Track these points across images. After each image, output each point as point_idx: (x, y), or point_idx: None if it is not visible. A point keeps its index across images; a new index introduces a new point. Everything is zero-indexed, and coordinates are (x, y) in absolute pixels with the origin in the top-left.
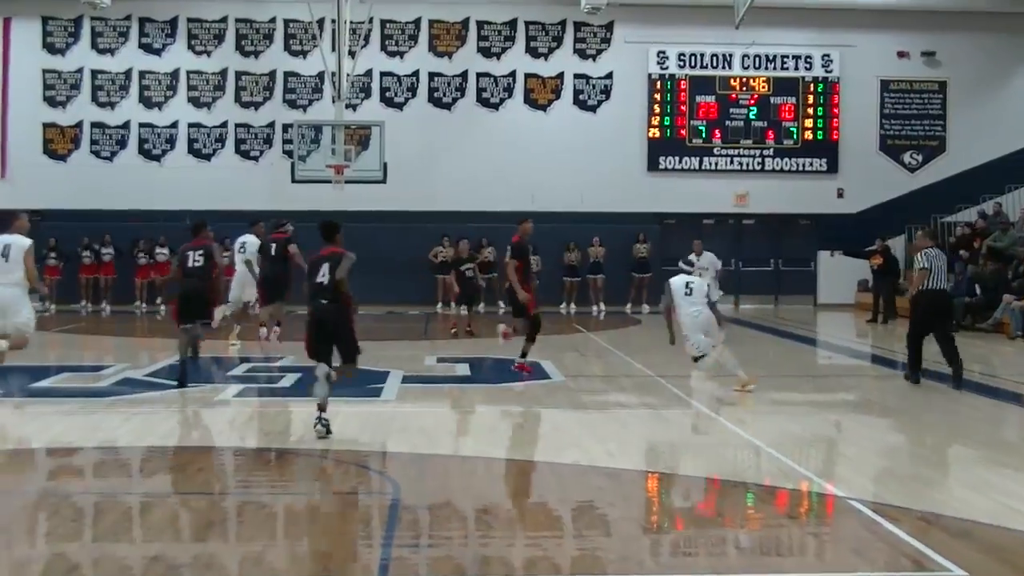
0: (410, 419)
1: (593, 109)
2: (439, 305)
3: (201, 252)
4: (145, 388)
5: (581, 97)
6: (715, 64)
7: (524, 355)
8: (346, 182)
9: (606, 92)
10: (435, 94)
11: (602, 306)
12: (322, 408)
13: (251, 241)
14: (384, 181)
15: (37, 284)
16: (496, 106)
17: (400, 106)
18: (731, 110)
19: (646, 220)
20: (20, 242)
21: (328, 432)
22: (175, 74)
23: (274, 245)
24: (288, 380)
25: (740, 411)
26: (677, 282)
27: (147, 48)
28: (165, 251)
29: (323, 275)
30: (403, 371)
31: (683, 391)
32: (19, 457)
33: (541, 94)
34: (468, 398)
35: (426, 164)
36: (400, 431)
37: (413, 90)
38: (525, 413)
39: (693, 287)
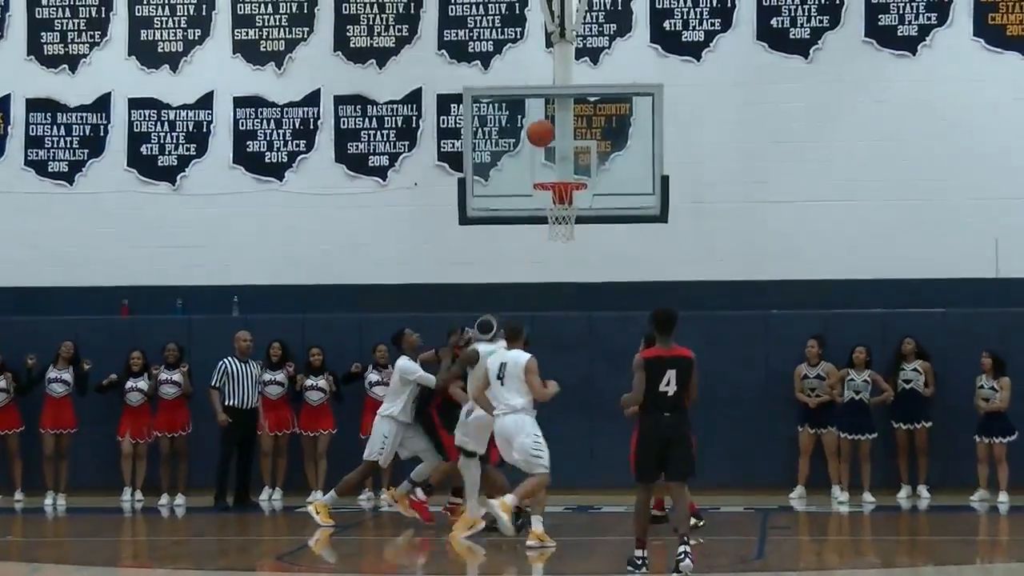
0: None
1: None
2: (836, 489)
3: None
4: None
5: None
6: None
7: None
8: (578, 221)
9: None
10: (773, 21)
11: None
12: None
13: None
14: (663, 218)
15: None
16: (911, 44)
17: (695, 51)
18: None
19: None
20: (520, 359)
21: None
22: None
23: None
24: None
25: None
26: None
27: None
28: (176, 377)
29: (668, 383)
30: None
31: None
32: None
33: (1015, 16)
34: None
35: (755, 176)
36: None
37: (724, 15)
38: None
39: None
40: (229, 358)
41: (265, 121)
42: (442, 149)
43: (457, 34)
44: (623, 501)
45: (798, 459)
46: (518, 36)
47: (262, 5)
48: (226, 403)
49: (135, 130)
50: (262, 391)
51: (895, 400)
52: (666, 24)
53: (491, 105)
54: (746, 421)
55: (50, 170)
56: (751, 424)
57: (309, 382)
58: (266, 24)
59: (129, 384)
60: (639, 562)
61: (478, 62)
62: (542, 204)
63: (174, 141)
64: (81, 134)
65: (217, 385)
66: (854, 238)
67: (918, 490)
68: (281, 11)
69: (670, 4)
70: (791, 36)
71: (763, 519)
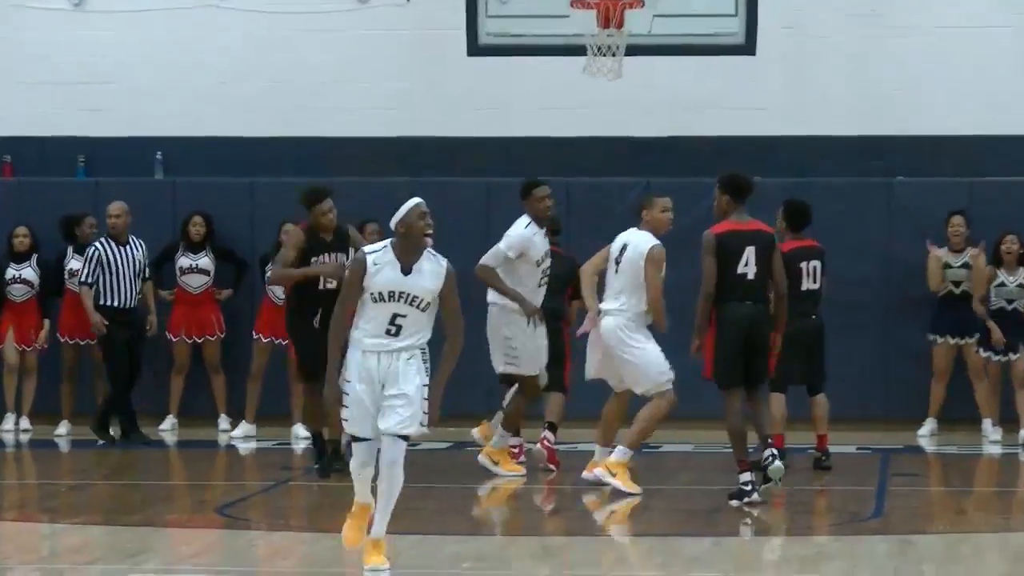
0: None
1: None
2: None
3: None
4: None
5: None
6: None
7: None
8: (630, 53)
9: None
10: None
11: None
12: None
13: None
14: (749, 50)
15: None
16: None
17: None
18: None
19: None
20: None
21: None
22: None
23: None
24: None
25: None
26: None
27: None
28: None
29: (747, 263)
30: None
31: None
32: None
33: None
34: None
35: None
36: None
37: None
38: None
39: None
40: (102, 240)
41: None
42: None
43: None
44: (687, 435)
45: (929, 382)
46: None
47: None
48: (100, 302)
49: None
50: (180, 282)
51: None
52: None
53: None
54: (859, 330)
55: None
56: (867, 334)
57: None
58: None
59: (11, 272)
60: (748, 488)
61: None
62: (582, 29)
63: None
64: None
65: (87, 280)
66: (1005, 80)
67: None
68: None
69: None
70: None
71: (883, 463)
